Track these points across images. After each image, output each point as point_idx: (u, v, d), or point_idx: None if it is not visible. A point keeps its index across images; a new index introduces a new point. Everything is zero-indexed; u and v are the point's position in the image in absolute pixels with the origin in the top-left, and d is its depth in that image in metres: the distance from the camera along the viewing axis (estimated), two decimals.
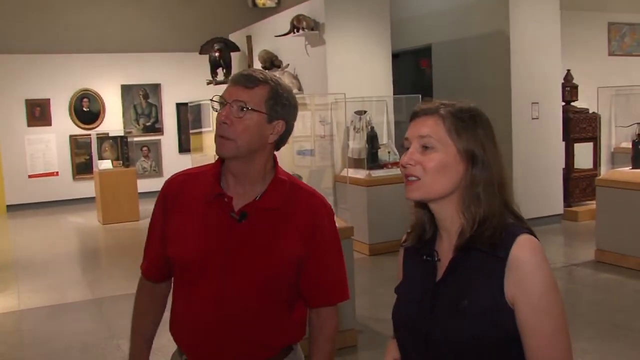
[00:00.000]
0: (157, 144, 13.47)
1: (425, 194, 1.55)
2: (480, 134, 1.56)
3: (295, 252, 1.93)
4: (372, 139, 7.99)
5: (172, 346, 2.06)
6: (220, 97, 1.88)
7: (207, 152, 9.10)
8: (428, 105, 1.59)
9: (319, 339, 2.08)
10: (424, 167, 1.53)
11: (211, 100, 1.93)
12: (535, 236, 1.53)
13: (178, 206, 1.97)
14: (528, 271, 1.46)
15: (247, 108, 1.83)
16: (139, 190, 11.22)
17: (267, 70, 1.86)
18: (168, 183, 2.04)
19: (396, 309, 1.69)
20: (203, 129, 10.23)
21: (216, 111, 1.88)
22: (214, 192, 1.91)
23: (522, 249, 1.48)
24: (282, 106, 1.90)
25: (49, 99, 12.55)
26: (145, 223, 10.48)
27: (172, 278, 2.05)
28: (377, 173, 7.80)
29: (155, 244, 2.04)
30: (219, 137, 1.86)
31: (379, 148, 8.07)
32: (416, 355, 1.60)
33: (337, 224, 4.69)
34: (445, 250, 1.60)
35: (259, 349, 1.93)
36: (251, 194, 1.92)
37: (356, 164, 8.08)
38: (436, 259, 1.61)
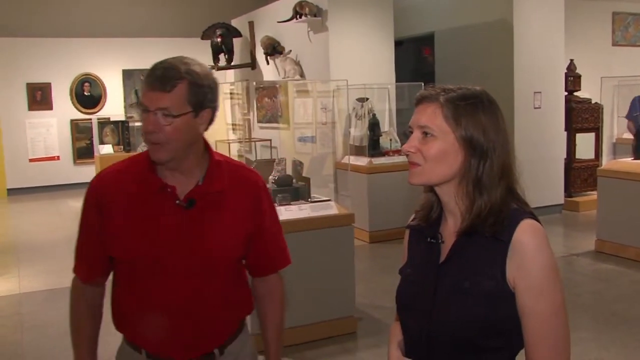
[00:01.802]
0: None
1: (426, 180, 1.59)
2: (482, 120, 1.56)
3: (246, 228, 1.98)
4: (374, 126, 7.98)
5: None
6: (141, 104, 1.83)
7: (212, 138, 9.11)
8: (429, 92, 1.60)
9: (270, 306, 2.16)
10: (423, 155, 1.56)
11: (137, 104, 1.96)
12: (538, 220, 1.55)
13: (115, 204, 1.91)
14: (530, 254, 1.49)
15: (172, 115, 1.79)
16: None
17: (184, 59, 1.81)
18: (97, 182, 1.98)
19: (400, 290, 1.72)
20: None
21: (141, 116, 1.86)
22: (155, 185, 1.89)
23: (525, 232, 1.50)
24: (204, 95, 1.85)
25: (50, 83, 12.52)
26: None
27: (109, 278, 2.05)
28: (379, 160, 7.79)
29: (94, 248, 1.97)
30: (151, 144, 1.83)
31: (381, 135, 8.06)
32: (419, 336, 1.61)
33: (337, 211, 4.71)
34: (450, 233, 1.62)
35: (222, 327, 2.00)
36: (192, 180, 1.91)
37: (357, 151, 8.07)
38: (440, 241, 1.64)
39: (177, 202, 1.88)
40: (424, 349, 1.60)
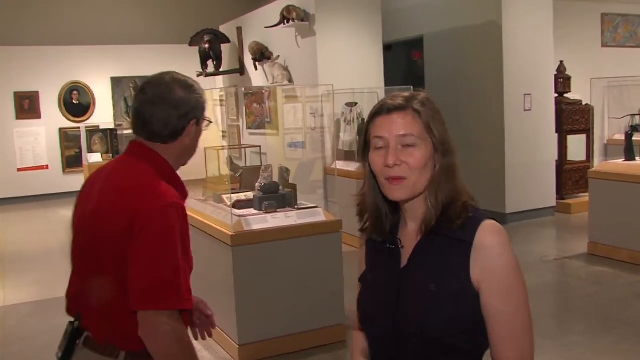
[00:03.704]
0: None
1: (411, 193, 1.56)
2: (443, 122, 1.58)
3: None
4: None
5: None
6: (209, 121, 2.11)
7: (201, 145, 9.03)
8: (398, 101, 1.56)
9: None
10: (409, 166, 1.53)
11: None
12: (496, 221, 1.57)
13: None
14: (493, 255, 1.50)
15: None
16: None
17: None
18: (178, 205, 1.93)
19: (361, 298, 1.71)
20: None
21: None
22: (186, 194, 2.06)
23: (487, 233, 1.51)
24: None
25: (38, 92, 12.43)
26: None
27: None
28: None
29: (187, 268, 1.92)
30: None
31: None
32: (385, 343, 1.59)
33: (325, 218, 4.63)
34: (410, 237, 1.61)
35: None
36: None
37: (347, 156, 8.00)
38: (400, 246, 1.61)
39: None
40: (392, 354, 1.58)
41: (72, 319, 2.00)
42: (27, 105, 12.35)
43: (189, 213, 5.01)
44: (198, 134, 2.05)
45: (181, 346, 1.84)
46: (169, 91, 1.96)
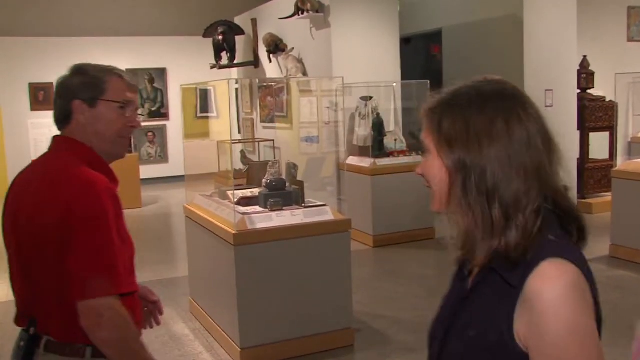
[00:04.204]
0: (162, 129, 13.23)
1: (440, 205, 1.32)
2: (460, 124, 1.26)
3: None
4: (379, 126, 7.68)
5: None
6: (128, 101, 2.02)
7: (214, 137, 8.86)
8: (429, 98, 1.35)
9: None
10: (426, 177, 1.34)
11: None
12: (578, 261, 1.20)
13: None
14: (542, 309, 1.15)
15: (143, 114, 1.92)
16: (144, 177, 11.09)
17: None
18: (108, 189, 1.91)
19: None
20: (210, 114, 10.00)
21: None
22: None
23: (541, 278, 1.16)
24: None
25: (52, 83, 12.24)
26: (148, 210, 10.34)
27: None
28: (383, 161, 7.50)
29: (124, 251, 1.92)
30: (127, 140, 2.07)
31: (385, 135, 7.76)
32: None
33: (333, 217, 4.43)
34: (478, 263, 1.34)
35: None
36: None
37: (361, 151, 7.78)
38: (466, 273, 1.38)
39: None
40: None
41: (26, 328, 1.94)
42: (41, 97, 12.25)
43: (193, 210, 4.87)
44: (97, 114, 1.99)
45: (127, 331, 1.84)
46: (60, 81, 2.03)
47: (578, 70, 8.57)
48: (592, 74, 8.78)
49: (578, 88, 8.57)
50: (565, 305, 1.14)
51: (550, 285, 1.14)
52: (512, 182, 1.21)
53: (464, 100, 1.27)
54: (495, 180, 1.21)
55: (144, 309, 2.17)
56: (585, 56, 8.78)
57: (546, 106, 8.07)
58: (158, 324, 2.25)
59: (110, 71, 2.03)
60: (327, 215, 4.54)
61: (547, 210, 1.23)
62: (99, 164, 1.98)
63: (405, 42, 9.18)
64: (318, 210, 4.54)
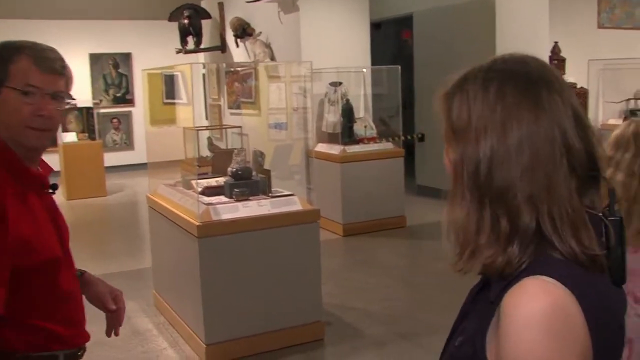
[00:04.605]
0: (128, 115, 12.93)
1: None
2: (468, 109, 1.08)
3: None
4: (348, 112, 7.52)
5: None
6: (32, 86, 1.70)
7: (181, 124, 8.64)
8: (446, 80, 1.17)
9: None
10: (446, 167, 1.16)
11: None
12: (573, 282, 1.00)
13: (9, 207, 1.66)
14: (506, 331, 0.98)
15: (68, 99, 1.79)
16: (109, 164, 10.83)
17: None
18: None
19: None
20: (176, 100, 9.76)
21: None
22: (33, 176, 1.79)
23: (516, 296, 0.99)
24: None
25: None
26: (113, 198, 10.07)
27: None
28: (353, 148, 7.35)
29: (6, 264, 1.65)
30: (40, 131, 1.73)
31: (355, 122, 7.61)
32: None
33: (301, 207, 4.27)
34: None
35: None
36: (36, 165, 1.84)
37: (330, 138, 7.62)
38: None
39: (45, 190, 1.83)
40: None
41: None
42: None
43: (156, 199, 4.67)
44: (1, 102, 1.71)
45: None
46: None
47: (550, 57, 8.49)
48: (563, 60, 8.72)
49: None
50: (531, 333, 0.95)
51: (522, 305, 0.97)
52: (513, 184, 1.03)
53: (470, 84, 1.10)
54: (492, 179, 1.05)
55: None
56: (556, 42, 8.71)
57: None
58: (117, 334, 2.05)
59: (19, 49, 1.72)
60: (295, 205, 4.38)
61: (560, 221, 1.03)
62: (5, 155, 1.73)
63: (376, 27, 9.03)
64: (286, 200, 4.38)
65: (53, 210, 1.85)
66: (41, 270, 1.74)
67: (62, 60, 1.75)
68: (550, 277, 0.98)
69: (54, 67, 1.72)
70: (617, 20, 10.36)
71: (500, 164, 1.04)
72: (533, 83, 1.06)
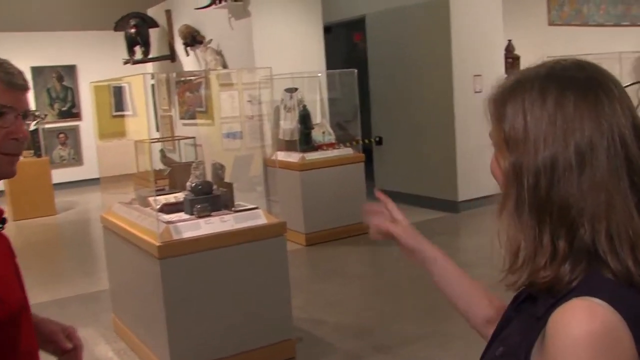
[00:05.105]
0: (75, 130, 12.51)
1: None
2: (522, 116, 1.02)
3: None
4: (305, 118, 7.34)
5: None
6: (4, 106, 1.44)
7: (132, 137, 8.35)
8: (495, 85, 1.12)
9: None
10: (494, 175, 1.13)
11: None
12: (626, 306, 0.94)
13: None
14: (553, 351, 0.94)
15: (39, 117, 1.67)
16: (57, 181, 10.44)
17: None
18: None
19: None
20: (125, 112, 9.45)
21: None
22: None
23: (564, 316, 0.94)
24: None
25: None
26: (63, 217, 9.69)
27: None
28: (311, 155, 7.17)
29: None
30: (13, 156, 1.49)
31: (313, 128, 7.43)
32: None
33: (266, 220, 4.07)
34: None
35: None
36: None
37: (288, 146, 7.43)
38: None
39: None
40: None
41: None
42: None
43: (112, 219, 4.41)
44: None
45: None
46: None
47: (504, 55, 8.47)
48: (517, 58, 8.72)
49: (505, 73, 8.47)
50: (578, 356, 0.91)
51: (570, 327, 0.92)
52: (575, 201, 0.98)
53: (527, 91, 1.03)
54: (554, 194, 0.99)
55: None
56: (510, 40, 8.70)
57: (476, 92, 7.92)
58: None
59: None
60: (260, 219, 4.17)
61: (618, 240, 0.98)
62: None
63: (326, 30, 8.87)
64: (249, 214, 4.17)
65: (8, 248, 1.60)
66: (3, 325, 1.46)
67: (22, 72, 1.51)
68: (601, 299, 0.94)
69: (20, 82, 1.48)
70: (567, 17, 10.45)
71: (561, 177, 0.98)
72: (593, 91, 1.00)
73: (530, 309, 1.06)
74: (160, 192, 4.58)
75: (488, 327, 1.30)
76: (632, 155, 0.98)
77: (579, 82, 1.01)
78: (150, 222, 4.07)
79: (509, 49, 8.67)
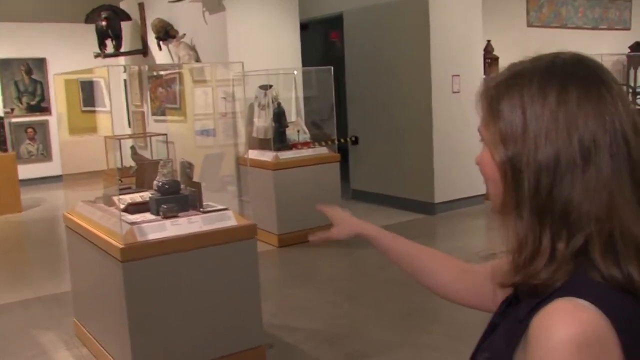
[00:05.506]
0: (44, 124, 12.18)
1: (493, 205, 1.10)
2: (520, 110, 0.98)
3: None
4: (279, 116, 7.16)
5: None
6: None
7: (102, 133, 8.12)
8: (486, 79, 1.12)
9: None
10: (482, 170, 1.10)
11: None
12: (613, 309, 0.90)
13: None
14: (534, 355, 0.91)
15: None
16: (25, 177, 10.13)
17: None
18: None
19: None
20: (97, 108, 9.21)
21: None
22: None
23: (547, 319, 0.91)
24: None
25: None
26: (29, 214, 9.41)
27: None
28: (286, 155, 6.99)
29: None
30: None
31: (287, 126, 7.25)
32: None
33: (236, 222, 3.89)
34: None
35: None
36: None
37: (262, 144, 7.24)
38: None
39: None
40: None
41: None
42: None
43: (74, 218, 4.20)
44: None
45: None
46: None
47: (483, 55, 8.36)
48: (496, 59, 8.61)
49: (484, 73, 8.36)
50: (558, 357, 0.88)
51: (552, 330, 0.89)
52: (579, 203, 0.95)
53: (525, 87, 0.99)
54: (555, 194, 0.95)
55: None
56: (489, 41, 8.60)
57: (453, 92, 7.80)
58: None
59: None
60: (230, 220, 3.98)
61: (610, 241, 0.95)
62: None
63: (303, 27, 8.70)
64: (218, 215, 3.98)
65: None
66: None
67: None
68: (586, 300, 0.91)
69: None
70: (545, 19, 10.39)
71: (564, 175, 0.95)
72: (596, 87, 0.97)
73: (514, 312, 1.04)
74: (126, 190, 4.38)
75: (461, 279, 1.34)
76: (634, 153, 0.95)
77: (581, 77, 0.98)
78: (113, 222, 3.86)
79: (488, 50, 8.56)
